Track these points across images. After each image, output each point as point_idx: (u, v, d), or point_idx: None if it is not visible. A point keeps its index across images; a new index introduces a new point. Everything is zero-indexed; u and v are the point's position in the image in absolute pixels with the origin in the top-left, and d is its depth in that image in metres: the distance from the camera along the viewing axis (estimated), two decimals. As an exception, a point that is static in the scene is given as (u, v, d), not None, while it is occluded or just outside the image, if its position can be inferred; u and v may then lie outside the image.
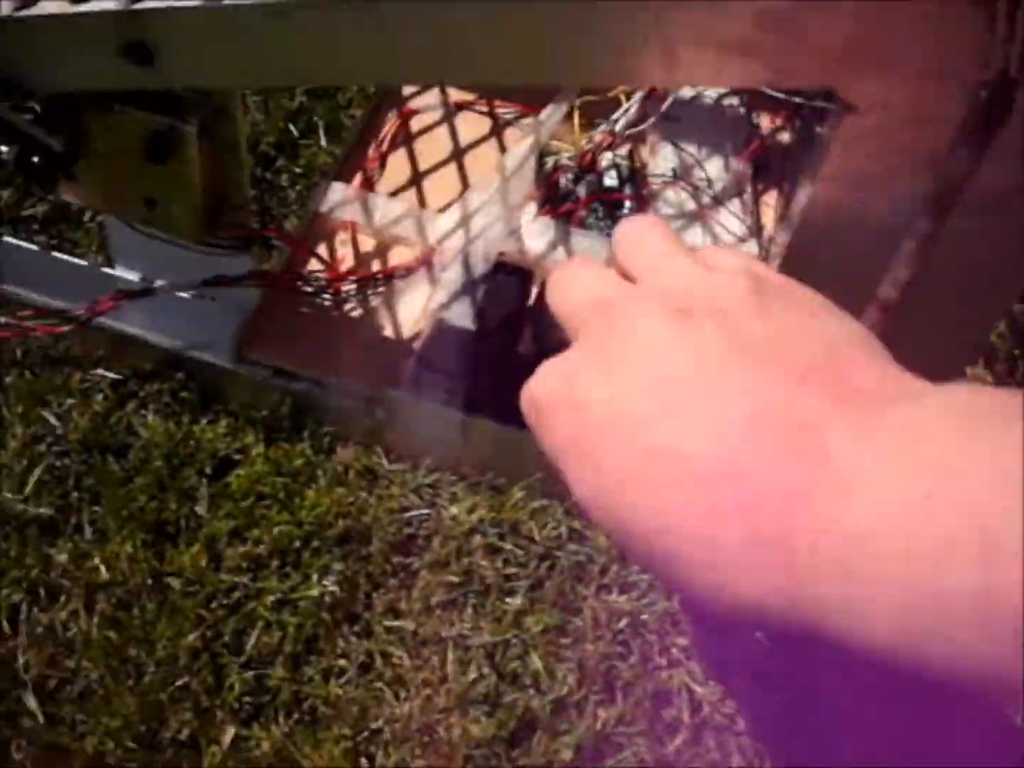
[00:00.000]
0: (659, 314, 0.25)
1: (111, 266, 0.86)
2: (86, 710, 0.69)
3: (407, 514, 0.77)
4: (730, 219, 0.90)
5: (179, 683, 0.70)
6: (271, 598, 0.73)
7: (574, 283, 0.28)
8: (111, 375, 0.83)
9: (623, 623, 0.73)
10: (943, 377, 0.22)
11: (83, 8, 0.57)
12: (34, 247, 0.90)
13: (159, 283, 0.81)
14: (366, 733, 0.69)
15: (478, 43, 0.52)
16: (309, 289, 0.84)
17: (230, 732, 0.69)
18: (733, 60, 0.48)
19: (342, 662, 0.71)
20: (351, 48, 0.54)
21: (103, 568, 0.74)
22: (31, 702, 0.69)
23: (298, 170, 0.97)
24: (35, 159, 0.68)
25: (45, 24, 0.59)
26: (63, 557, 0.75)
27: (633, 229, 0.29)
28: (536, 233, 0.86)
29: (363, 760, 0.69)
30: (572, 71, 0.55)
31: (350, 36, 0.53)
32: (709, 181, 0.90)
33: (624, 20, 0.48)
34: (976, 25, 0.42)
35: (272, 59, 0.57)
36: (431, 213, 0.89)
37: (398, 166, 0.93)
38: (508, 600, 0.73)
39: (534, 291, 0.81)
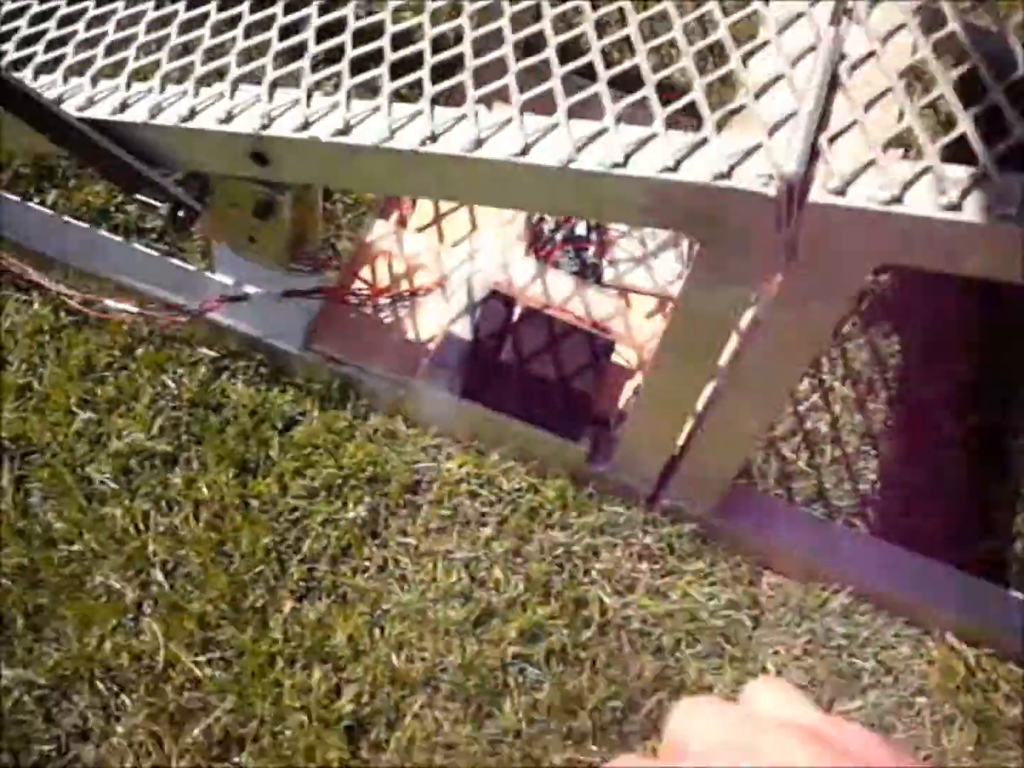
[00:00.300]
0: None
1: (212, 272, 1.18)
2: (194, 583, 1.02)
3: (416, 465, 1.10)
4: (668, 264, 1.22)
5: (256, 570, 1.03)
6: (320, 517, 1.06)
7: (698, 717, 0.29)
8: (212, 353, 1.16)
9: (560, 551, 1.06)
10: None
11: (229, 128, 0.89)
12: (155, 253, 1.23)
13: (253, 290, 1.13)
14: (379, 612, 1.03)
15: (463, 186, 0.84)
16: (355, 301, 1.16)
17: (288, 605, 1.02)
18: (638, 214, 0.80)
19: (366, 563, 1.05)
20: (395, 172, 0.86)
21: (205, 489, 1.07)
22: (158, 576, 1.02)
23: (349, 201, 1.29)
24: (179, 213, 1.00)
25: (201, 131, 0.91)
26: (177, 480, 1.08)
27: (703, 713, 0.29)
28: (522, 269, 1.18)
29: (376, 630, 1.02)
30: (533, 204, 0.87)
31: (394, 167, 0.85)
32: (653, 234, 1.22)
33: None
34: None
35: (347, 172, 0.90)
36: (447, 247, 1.21)
37: (425, 208, 1.25)
38: (482, 529, 1.07)
39: (516, 313, 1.14)
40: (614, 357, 1.13)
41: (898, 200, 0.71)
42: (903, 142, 0.80)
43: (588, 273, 1.19)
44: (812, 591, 1.08)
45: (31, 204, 1.25)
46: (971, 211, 0.69)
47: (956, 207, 0.70)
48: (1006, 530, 1.14)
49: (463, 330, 1.14)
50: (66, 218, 1.24)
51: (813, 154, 0.75)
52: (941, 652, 1.07)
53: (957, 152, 0.72)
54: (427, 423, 1.13)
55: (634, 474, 1.08)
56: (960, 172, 0.71)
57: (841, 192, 0.72)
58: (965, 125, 0.72)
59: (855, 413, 1.20)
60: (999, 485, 1.17)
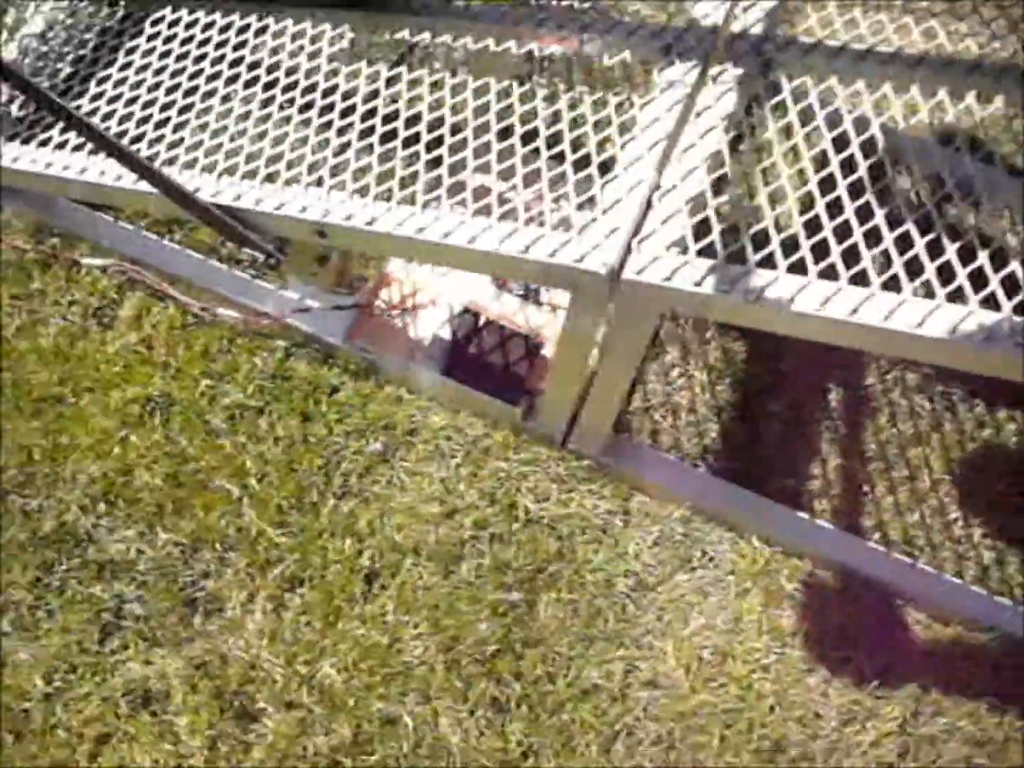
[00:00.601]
0: None
1: (286, 291, 1.81)
2: (274, 487, 1.66)
3: (413, 419, 1.73)
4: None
5: (311, 479, 1.66)
6: (352, 449, 1.69)
7: None
8: (284, 343, 1.79)
9: (502, 475, 1.68)
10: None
11: (304, 216, 1.52)
12: (247, 277, 1.86)
13: (313, 304, 1.76)
14: (387, 507, 1.65)
15: (440, 257, 1.47)
16: (378, 312, 1.79)
17: (331, 502, 1.66)
18: (538, 277, 1.43)
19: (380, 478, 1.67)
20: (399, 247, 1.48)
21: (280, 430, 1.70)
22: (252, 482, 1.66)
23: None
24: (270, 259, 1.63)
25: (286, 216, 1.54)
26: (263, 424, 1.71)
27: None
28: (486, 293, 1.80)
29: (384, 518, 1.65)
30: (482, 269, 1.50)
31: (398, 245, 1.47)
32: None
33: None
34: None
35: (373, 244, 1.52)
36: (437, 277, 1.83)
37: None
38: (452, 460, 1.69)
39: (481, 322, 1.75)
40: (543, 352, 1.75)
41: (668, 280, 1.32)
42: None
43: (530, 296, 1.80)
44: (664, 506, 1.70)
45: (165, 241, 1.89)
46: (709, 286, 1.30)
47: (698, 284, 1.31)
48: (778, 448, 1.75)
49: (446, 333, 1.76)
50: (188, 251, 1.87)
51: (628, 251, 1.36)
52: (747, 549, 1.68)
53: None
54: (421, 392, 1.75)
55: (550, 427, 1.70)
56: (707, 263, 1.32)
57: (639, 273, 1.34)
58: (715, 230, 1.33)
59: (706, 392, 1.81)
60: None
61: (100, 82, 1.86)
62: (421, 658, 1.52)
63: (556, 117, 1.53)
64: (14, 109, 1.89)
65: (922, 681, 1.56)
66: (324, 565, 1.59)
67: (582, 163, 1.47)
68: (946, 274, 1.25)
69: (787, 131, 1.46)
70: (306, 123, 1.63)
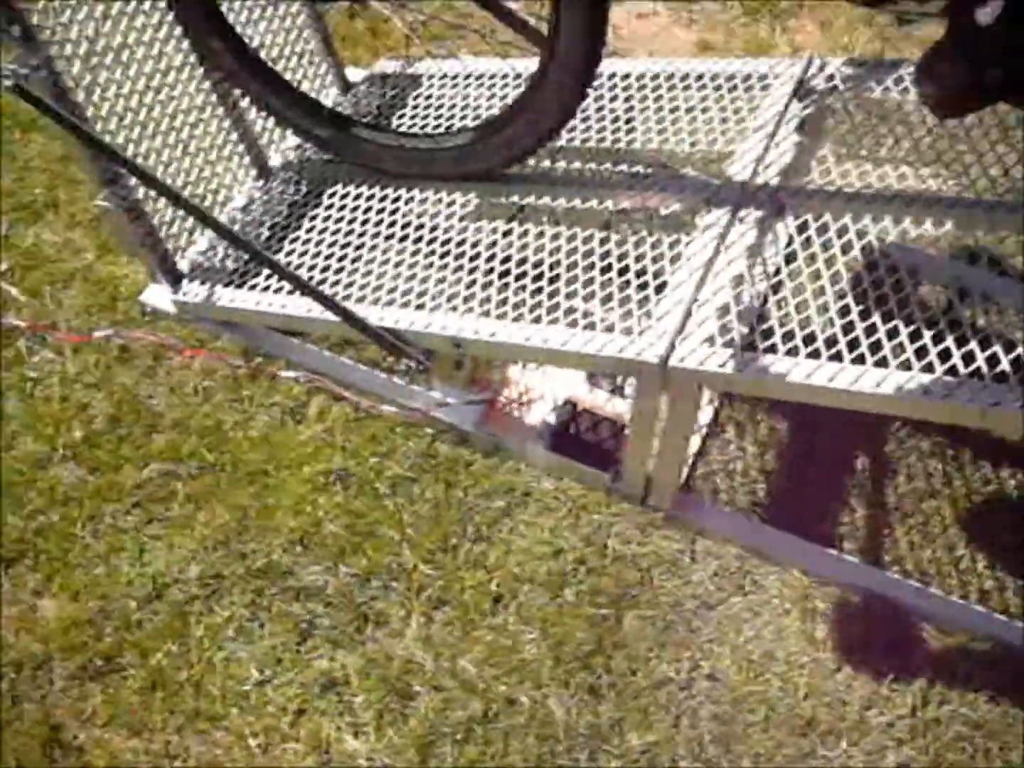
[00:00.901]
0: None
1: (430, 390, 2.39)
2: (423, 535, 2.21)
3: (529, 484, 2.27)
4: (660, 384, 2.36)
5: (451, 529, 2.21)
6: (482, 507, 2.23)
7: None
8: (431, 431, 2.36)
9: (600, 529, 2.20)
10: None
11: (444, 333, 2.11)
12: (401, 381, 2.45)
13: (452, 400, 2.34)
14: (509, 550, 2.18)
15: (542, 357, 2.04)
16: (501, 406, 2.35)
17: (467, 546, 2.19)
18: (609, 370, 1.99)
19: (505, 528, 2.20)
20: (513, 352, 2.05)
21: (429, 493, 2.26)
22: (409, 531, 2.21)
23: (500, 352, 2.49)
24: (420, 367, 2.21)
25: (432, 334, 2.13)
26: (416, 489, 2.27)
27: None
28: (583, 388, 2.35)
29: (507, 556, 2.17)
30: (567, 364, 2.06)
31: (512, 350, 2.05)
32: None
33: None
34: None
35: (495, 351, 2.09)
36: (546, 376, 2.39)
37: (537, 357, 2.44)
38: (557, 513, 2.21)
39: (579, 409, 2.30)
40: (625, 432, 2.27)
41: (702, 364, 1.85)
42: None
43: (616, 391, 2.34)
44: (723, 546, 2.18)
45: (342, 357, 2.50)
46: (730, 367, 1.83)
47: (722, 366, 1.83)
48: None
49: (552, 419, 2.31)
50: (359, 365, 2.48)
51: (672, 347, 1.90)
52: (789, 579, 2.14)
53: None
54: (534, 464, 2.29)
55: (632, 488, 2.21)
56: (728, 352, 1.84)
57: (681, 361, 1.87)
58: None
59: (756, 460, 2.30)
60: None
61: (292, 241, 2.52)
62: (535, 656, 2.02)
63: (625, 254, 2.10)
64: (229, 263, 2.56)
65: (930, 677, 1.98)
66: (462, 590, 2.12)
67: (643, 286, 2.03)
68: (899, 352, 1.75)
69: (791, 257, 1.99)
70: (444, 265, 2.24)
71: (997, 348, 1.70)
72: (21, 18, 2.11)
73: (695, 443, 2.29)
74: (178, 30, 2.45)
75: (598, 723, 1.95)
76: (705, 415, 2.34)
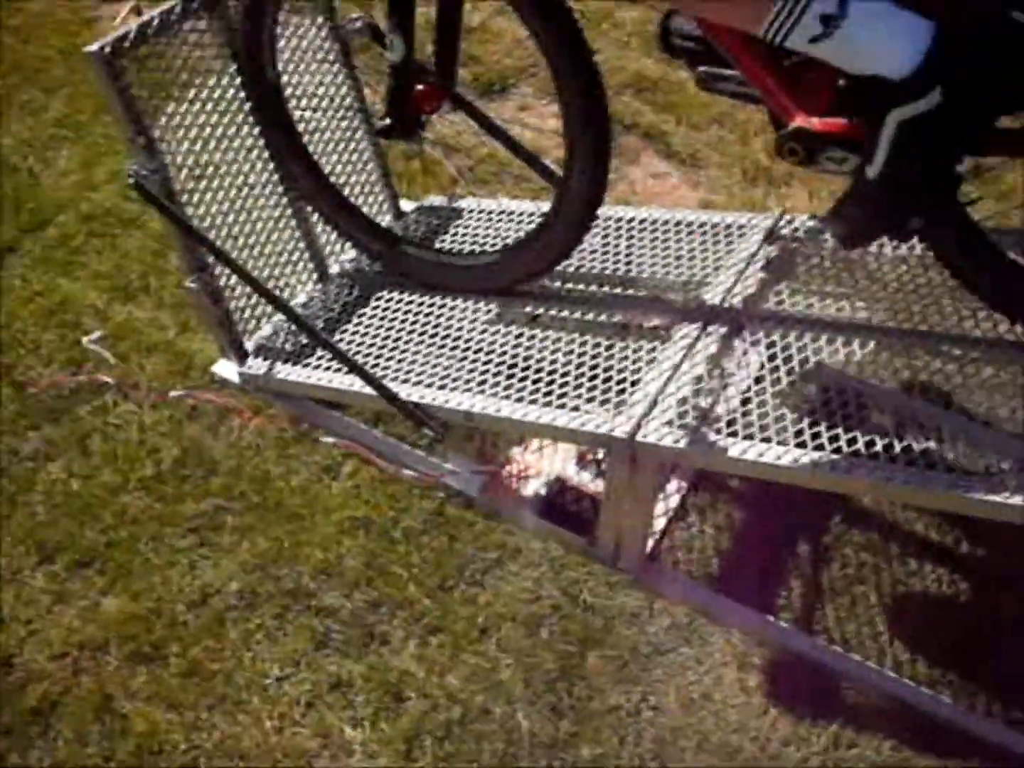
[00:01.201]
0: None
1: (445, 460, 2.84)
2: (427, 575, 2.62)
3: (519, 542, 2.69)
4: (637, 471, 2.81)
5: (451, 572, 2.62)
6: (479, 557, 2.66)
7: None
8: (440, 494, 2.80)
9: (577, 586, 2.61)
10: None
11: (459, 408, 2.58)
12: (421, 452, 2.90)
13: (460, 470, 2.79)
14: (498, 593, 2.59)
15: (538, 433, 2.51)
16: (503, 479, 2.80)
17: (462, 587, 2.61)
18: (589, 444, 2.45)
19: (496, 576, 2.62)
20: (520, 427, 2.52)
21: (435, 543, 2.69)
22: (415, 571, 2.63)
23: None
24: (438, 438, 2.68)
25: (456, 410, 2.61)
26: (425, 539, 2.70)
27: None
28: (571, 467, 2.79)
29: (495, 598, 2.58)
30: (559, 438, 2.52)
31: (521, 427, 2.51)
32: (632, 458, 2.82)
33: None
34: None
35: (501, 425, 2.56)
36: (539, 455, 2.84)
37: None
38: (540, 568, 2.63)
39: (566, 485, 2.74)
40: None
41: (659, 440, 2.30)
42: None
43: (601, 474, 2.78)
44: (678, 607, 2.57)
45: (373, 429, 2.97)
46: (682, 444, 2.28)
47: (676, 442, 2.28)
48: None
49: (543, 492, 2.76)
50: (388, 437, 2.94)
51: (639, 426, 2.35)
52: (731, 637, 2.52)
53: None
54: (526, 528, 2.72)
55: (605, 552, 2.63)
56: (683, 432, 2.30)
57: (644, 437, 2.32)
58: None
59: (713, 540, 2.72)
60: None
61: (341, 332, 3.03)
62: (509, 678, 2.42)
63: (611, 355, 2.58)
64: (288, 346, 3.07)
65: (843, 725, 2.35)
66: (454, 621, 2.52)
67: (621, 380, 2.50)
68: (817, 437, 2.20)
69: (742, 365, 2.46)
70: (464, 357, 2.73)
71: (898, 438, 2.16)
72: (146, 131, 2.68)
73: (662, 523, 2.72)
74: (267, 154, 3.02)
75: (557, 736, 2.33)
76: (673, 500, 2.77)
